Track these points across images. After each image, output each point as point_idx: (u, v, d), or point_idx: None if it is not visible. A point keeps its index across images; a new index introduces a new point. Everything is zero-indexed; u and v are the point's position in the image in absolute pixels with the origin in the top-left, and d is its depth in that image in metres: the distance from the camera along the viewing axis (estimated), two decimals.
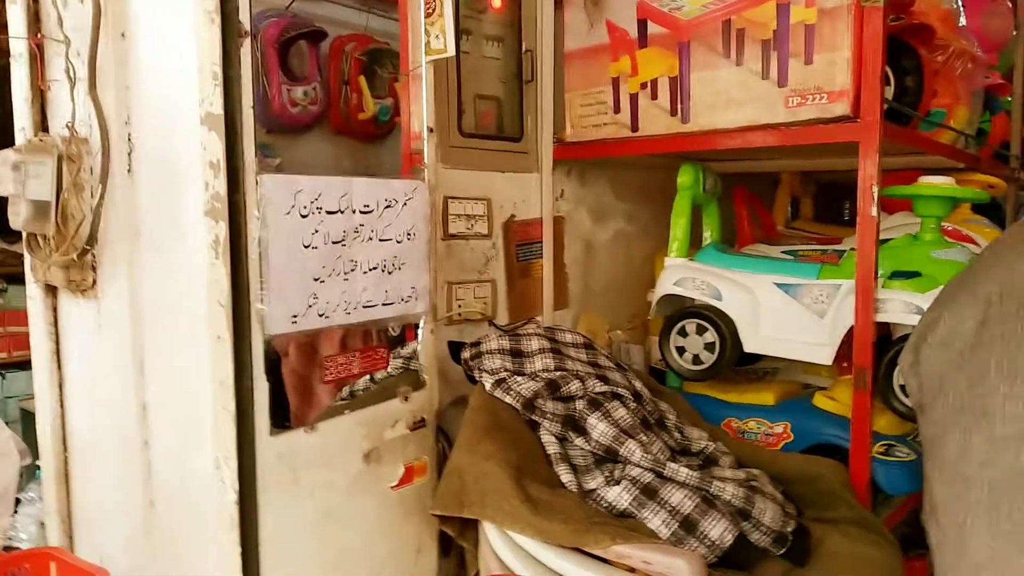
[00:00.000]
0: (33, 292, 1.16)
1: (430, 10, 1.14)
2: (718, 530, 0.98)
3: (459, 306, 1.33)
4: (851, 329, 1.19)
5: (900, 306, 1.17)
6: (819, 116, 1.20)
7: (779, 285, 1.32)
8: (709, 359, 1.35)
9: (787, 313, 1.30)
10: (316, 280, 0.99)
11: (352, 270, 1.04)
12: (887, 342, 1.22)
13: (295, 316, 0.97)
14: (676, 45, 1.32)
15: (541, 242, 1.51)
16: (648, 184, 1.73)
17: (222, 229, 0.93)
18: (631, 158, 1.55)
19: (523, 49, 1.46)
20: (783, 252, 1.57)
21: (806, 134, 1.22)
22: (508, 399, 1.10)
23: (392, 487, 1.11)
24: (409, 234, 1.11)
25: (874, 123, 1.15)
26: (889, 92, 1.37)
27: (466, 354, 1.18)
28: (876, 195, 1.16)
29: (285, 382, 1.12)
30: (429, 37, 1.15)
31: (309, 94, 1.95)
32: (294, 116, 1.92)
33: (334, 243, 1.01)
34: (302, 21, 1.84)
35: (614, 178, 1.70)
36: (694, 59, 1.31)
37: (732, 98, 1.28)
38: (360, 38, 1.92)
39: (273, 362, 0.99)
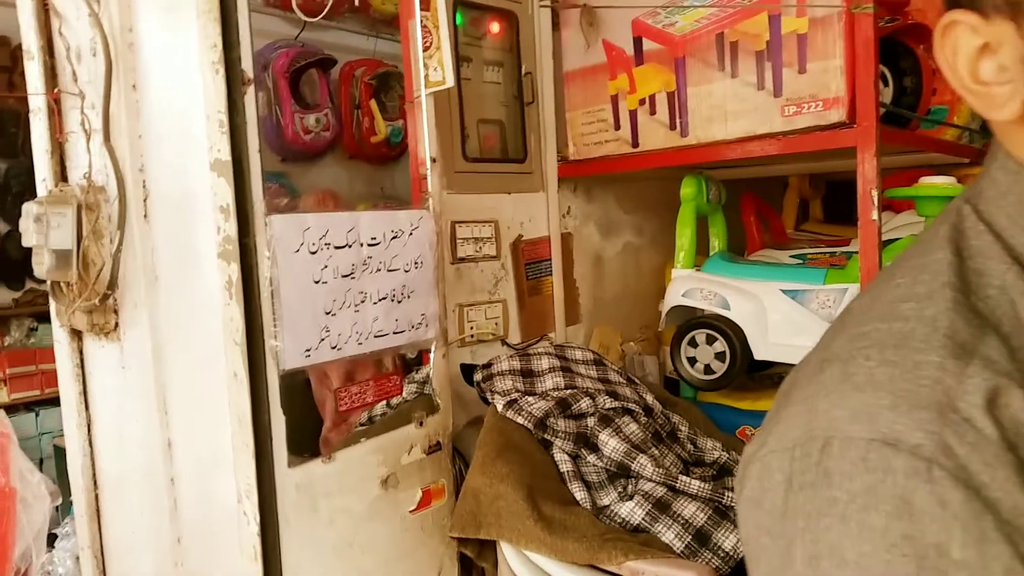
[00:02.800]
0: (59, 336, 1.21)
1: (427, 44, 1.17)
2: (732, 540, 0.99)
3: (471, 328, 1.36)
4: None
5: None
6: (816, 124, 1.21)
7: (786, 291, 1.33)
8: (720, 368, 1.37)
9: (795, 319, 1.31)
10: (327, 313, 1.03)
11: (362, 301, 1.07)
12: None
13: (308, 350, 1.01)
14: (672, 61, 1.34)
15: (550, 260, 1.53)
16: (655, 195, 1.75)
17: (234, 270, 0.97)
18: (635, 172, 1.57)
19: (523, 72, 1.48)
20: (792, 256, 1.57)
21: (803, 142, 1.23)
22: (520, 420, 1.12)
23: (411, 511, 1.14)
24: (416, 263, 1.14)
25: (870, 128, 1.16)
26: (888, 94, 1.37)
27: (478, 376, 1.21)
28: (876, 199, 1.16)
29: (302, 414, 1.15)
30: (428, 70, 1.18)
31: (321, 121, 2.00)
32: (307, 143, 1.97)
33: (343, 276, 1.05)
34: (311, 49, 1.89)
35: (620, 192, 1.72)
36: (690, 74, 1.33)
37: (729, 110, 1.29)
38: (369, 63, 1.97)
39: (289, 395, 1.02)
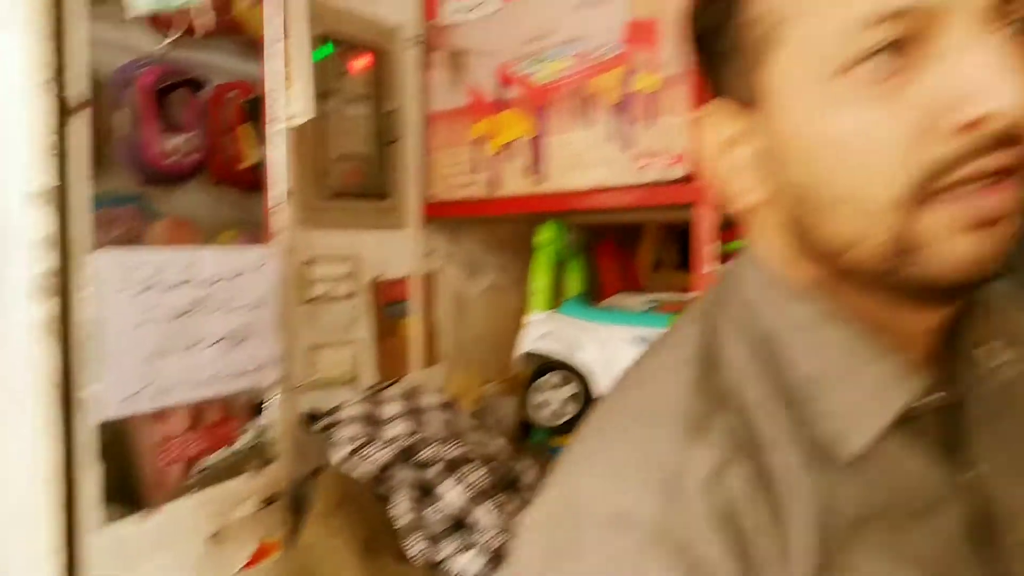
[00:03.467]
0: None
1: (284, 75, 1.14)
2: None
3: (321, 371, 1.32)
4: None
5: None
6: (662, 178, 1.26)
7: (632, 337, 1.37)
8: (571, 412, 1.39)
9: None
10: (156, 356, 0.96)
11: (197, 343, 1.01)
12: None
13: (130, 396, 0.94)
14: (533, 109, 1.37)
15: (410, 300, 1.51)
16: (521, 238, 1.76)
17: (49, 308, 0.89)
18: (500, 215, 1.58)
19: (388, 109, 1.47)
20: (646, 302, 1.63)
21: (651, 195, 1.28)
22: (361, 469, 1.09)
23: (242, 568, 1.08)
24: (260, 302, 1.09)
25: (708, 184, 1.22)
26: None
27: (321, 424, 1.17)
28: (710, 253, 1.22)
29: (122, 466, 1.07)
30: (284, 103, 1.15)
31: (188, 143, 1.90)
32: (171, 166, 1.86)
33: (177, 317, 0.99)
34: (181, 68, 1.80)
35: (486, 233, 1.73)
36: (549, 122, 1.36)
37: (585, 160, 1.33)
38: (242, 86, 1.89)
39: (109, 446, 0.95)
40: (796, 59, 0.44)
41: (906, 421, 0.48)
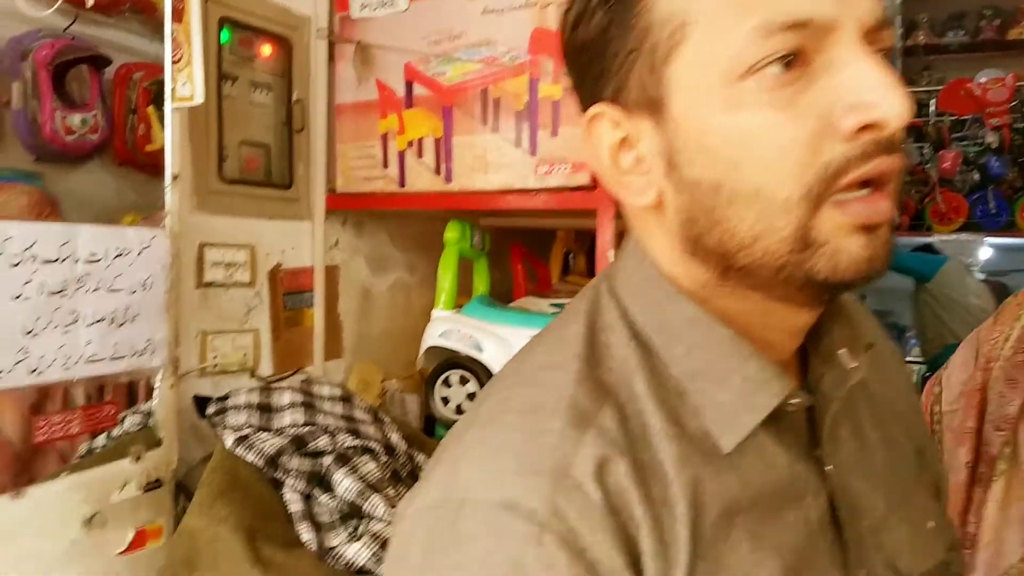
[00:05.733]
0: None
1: (177, 56, 1.12)
2: None
3: (215, 358, 1.29)
4: None
5: None
6: (564, 184, 1.30)
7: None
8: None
9: None
10: (28, 333, 0.93)
11: (74, 322, 0.98)
12: None
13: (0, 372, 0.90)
14: (440, 108, 1.39)
15: (312, 291, 1.50)
16: (430, 235, 1.77)
17: None
18: (407, 210, 1.59)
19: (294, 98, 1.46)
20: (552, 305, 1.66)
21: (553, 200, 1.31)
22: (250, 457, 1.07)
23: (120, 553, 1.04)
24: (145, 284, 1.07)
25: (609, 192, 1.26)
26: None
27: (210, 410, 1.15)
28: (612, 258, 1.26)
29: None
30: (176, 84, 1.13)
31: (88, 122, 1.82)
32: (69, 144, 1.79)
33: (52, 294, 0.95)
34: (83, 44, 1.73)
35: (394, 229, 1.73)
36: (456, 123, 1.38)
37: (490, 162, 1.35)
38: (150, 67, 1.83)
39: None
40: (700, 62, 0.46)
41: (775, 417, 0.51)
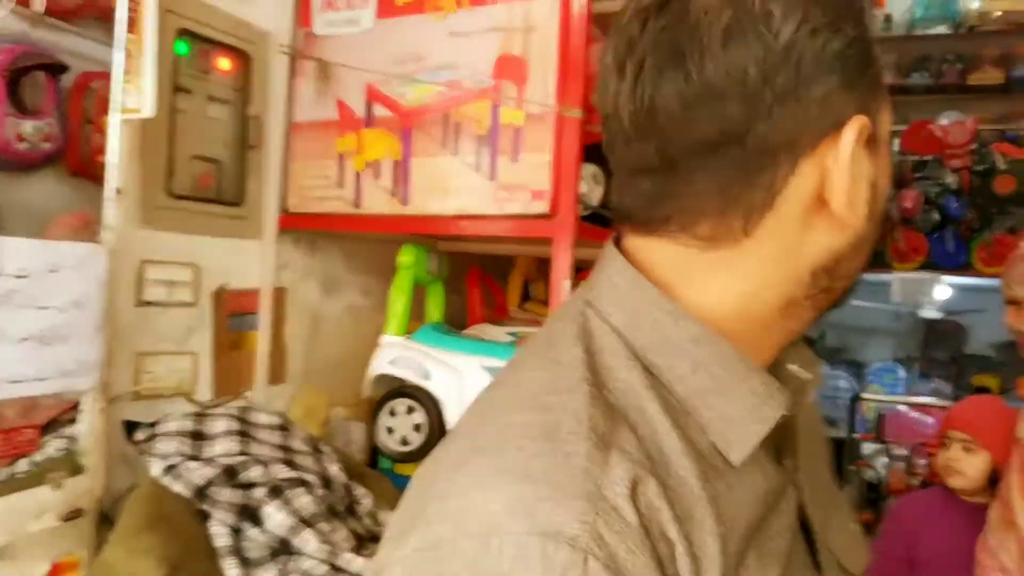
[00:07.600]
0: None
1: (129, 68, 1.08)
2: None
3: (150, 380, 1.24)
4: None
5: None
6: (523, 212, 1.27)
7: (486, 368, 1.37)
8: (417, 440, 1.36)
9: None
10: None
11: None
12: None
13: None
14: (399, 130, 1.36)
15: (258, 313, 1.45)
16: (385, 258, 1.73)
17: None
18: (363, 233, 1.55)
19: (251, 114, 1.42)
20: (508, 333, 1.63)
21: (511, 227, 1.29)
22: (177, 486, 1.02)
23: None
24: (78, 302, 1.02)
25: (568, 222, 1.24)
26: (599, 193, 1.49)
27: (138, 436, 1.09)
28: (567, 288, 1.24)
29: None
30: (124, 96, 1.08)
31: (42, 130, 1.76)
32: (20, 153, 1.72)
33: None
34: (39, 51, 1.67)
35: (348, 251, 1.69)
36: (415, 145, 1.35)
37: (448, 186, 1.33)
38: (108, 76, 1.78)
39: None
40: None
41: None
